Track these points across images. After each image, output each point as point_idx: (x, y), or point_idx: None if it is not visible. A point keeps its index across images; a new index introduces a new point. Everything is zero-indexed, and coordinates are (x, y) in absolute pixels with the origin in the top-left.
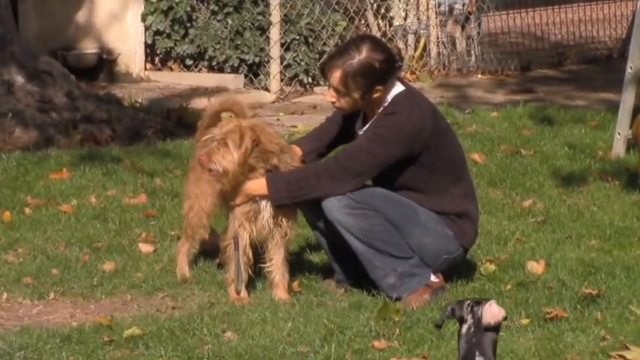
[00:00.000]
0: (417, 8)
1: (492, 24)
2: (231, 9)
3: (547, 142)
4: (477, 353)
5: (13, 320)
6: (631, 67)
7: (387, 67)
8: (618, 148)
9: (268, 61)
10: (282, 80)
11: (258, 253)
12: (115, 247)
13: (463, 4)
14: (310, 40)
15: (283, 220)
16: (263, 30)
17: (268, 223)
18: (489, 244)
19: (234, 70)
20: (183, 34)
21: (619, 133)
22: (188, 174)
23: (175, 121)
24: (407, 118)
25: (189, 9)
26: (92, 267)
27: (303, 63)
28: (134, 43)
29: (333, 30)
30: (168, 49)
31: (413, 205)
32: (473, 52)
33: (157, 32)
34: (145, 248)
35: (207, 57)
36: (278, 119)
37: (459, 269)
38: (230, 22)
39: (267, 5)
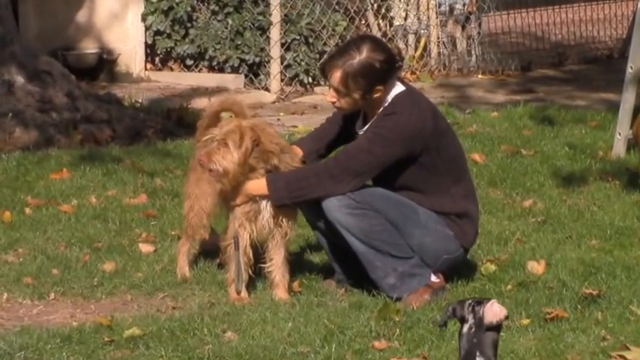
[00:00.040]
0: (418, 8)
1: (493, 24)
2: (231, 9)
3: (547, 142)
4: (478, 353)
5: (14, 320)
6: (631, 67)
7: (387, 67)
8: (619, 148)
9: (268, 61)
10: (282, 80)
11: (259, 253)
12: (116, 247)
13: (463, 4)
14: (310, 40)
15: (283, 220)
16: (263, 30)
17: (268, 223)
18: (490, 244)
19: (235, 70)
20: (183, 34)
21: (619, 133)
22: (188, 174)
23: (176, 121)
24: (407, 119)
25: (189, 9)
26: (92, 267)
27: (303, 63)
28: (134, 43)
29: (333, 30)
30: (169, 49)
31: (413, 205)
32: (473, 52)
33: (158, 32)
34: (146, 248)
35: (207, 57)
36: (278, 119)
37: (459, 269)
38: (230, 22)
39: (268, 5)
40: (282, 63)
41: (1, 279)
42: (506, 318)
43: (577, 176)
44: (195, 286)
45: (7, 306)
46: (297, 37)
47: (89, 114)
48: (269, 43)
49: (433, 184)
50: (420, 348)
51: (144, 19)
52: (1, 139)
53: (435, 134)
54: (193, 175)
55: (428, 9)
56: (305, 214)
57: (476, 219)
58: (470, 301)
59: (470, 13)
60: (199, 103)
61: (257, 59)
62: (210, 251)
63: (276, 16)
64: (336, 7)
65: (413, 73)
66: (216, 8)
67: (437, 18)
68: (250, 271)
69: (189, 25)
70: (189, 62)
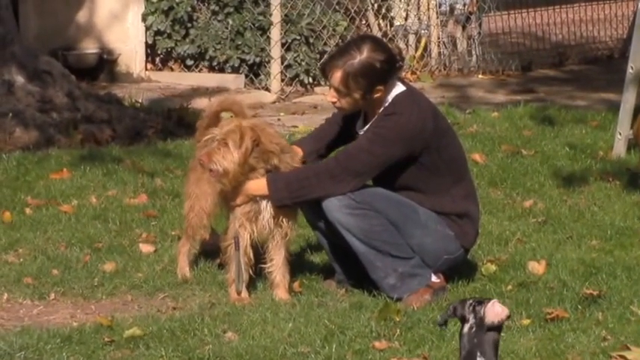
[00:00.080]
0: (418, 8)
1: (493, 24)
2: (231, 9)
3: (548, 143)
4: (479, 353)
5: (14, 321)
6: (632, 67)
7: (387, 67)
8: (619, 148)
9: (269, 61)
10: (282, 80)
11: (259, 253)
12: (116, 247)
13: (464, 4)
14: (311, 40)
15: (284, 220)
16: (264, 30)
17: (269, 224)
18: (490, 244)
19: (235, 70)
20: (183, 34)
21: (620, 133)
22: (189, 174)
23: (176, 121)
24: (407, 119)
25: (189, 9)
26: (93, 267)
27: (303, 63)
28: (135, 43)
29: (333, 30)
30: (169, 49)
31: (413, 206)
32: (474, 52)
33: (158, 32)
34: (146, 248)
35: (207, 57)
36: (279, 119)
37: (459, 269)
38: (231, 22)
39: (268, 5)
40: (282, 63)
41: (2, 279)
42: (509, 318)
43: (577, 176)
44: (196, 286)
45: (8, 306)
46: (298, 37)
47: (89, 114)
48: (269, 43)
49: (433, 184)
50: (420, 348)
51: (144, 19)
52: (1, 139)
53: (436, 134)
54: (193, 175)
55: (428, 9)
56: (305, 215)
57: (476, 219)
58: (471, 301)
59: (470, 13)
60: (200, 103)
61: (257, 59)
62: (210, 251)
63: (276, 16)
64: (337, 7)
65: (413, 73)
66: (217, 8)
67: (437, 18)
68: (251, 272)
69: (189, 25)
70: (189, 62)
